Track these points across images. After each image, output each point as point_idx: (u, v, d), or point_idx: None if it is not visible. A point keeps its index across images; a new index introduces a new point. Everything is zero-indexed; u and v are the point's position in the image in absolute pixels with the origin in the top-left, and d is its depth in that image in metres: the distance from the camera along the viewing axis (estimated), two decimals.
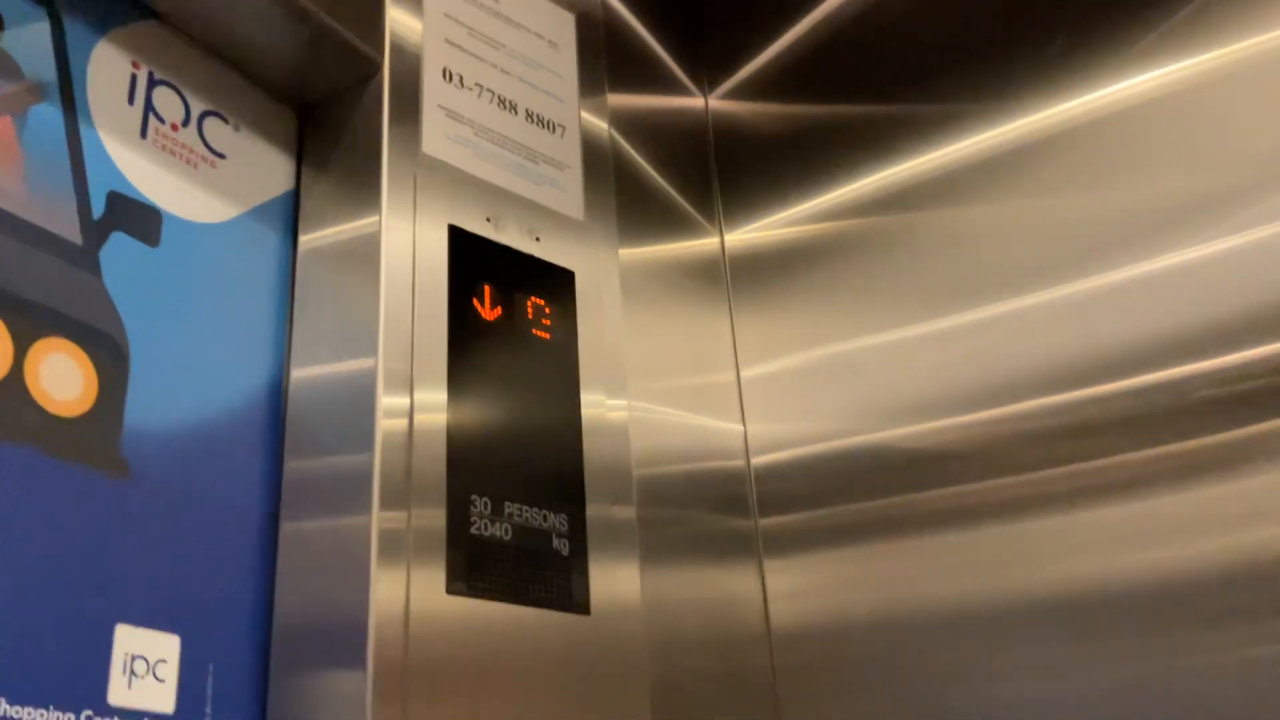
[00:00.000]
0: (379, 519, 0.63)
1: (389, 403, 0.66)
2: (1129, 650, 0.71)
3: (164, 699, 0.61)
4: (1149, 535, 0.72)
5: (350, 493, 0.65)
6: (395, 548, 0.63)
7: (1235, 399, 0.71)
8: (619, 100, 0.93)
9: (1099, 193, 0.80)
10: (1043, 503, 0.77)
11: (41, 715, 0.55)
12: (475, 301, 0.73)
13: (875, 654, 0.81)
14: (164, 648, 0.61)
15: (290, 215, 0.77)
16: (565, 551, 0.71)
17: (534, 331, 0.76)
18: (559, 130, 0.86)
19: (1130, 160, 0.80)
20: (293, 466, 0.70)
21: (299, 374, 0.72)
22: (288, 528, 0.68)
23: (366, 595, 0.61)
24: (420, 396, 0.67)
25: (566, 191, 0.84)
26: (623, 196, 0.89)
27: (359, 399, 0.66)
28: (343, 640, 0.62)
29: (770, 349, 0.94)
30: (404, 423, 0.66)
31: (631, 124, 0.95)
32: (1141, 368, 0.75)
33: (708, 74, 1.07)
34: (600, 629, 0.71)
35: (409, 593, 0.63)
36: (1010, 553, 0.77)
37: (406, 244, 0.71)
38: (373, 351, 0.67)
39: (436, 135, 0.76)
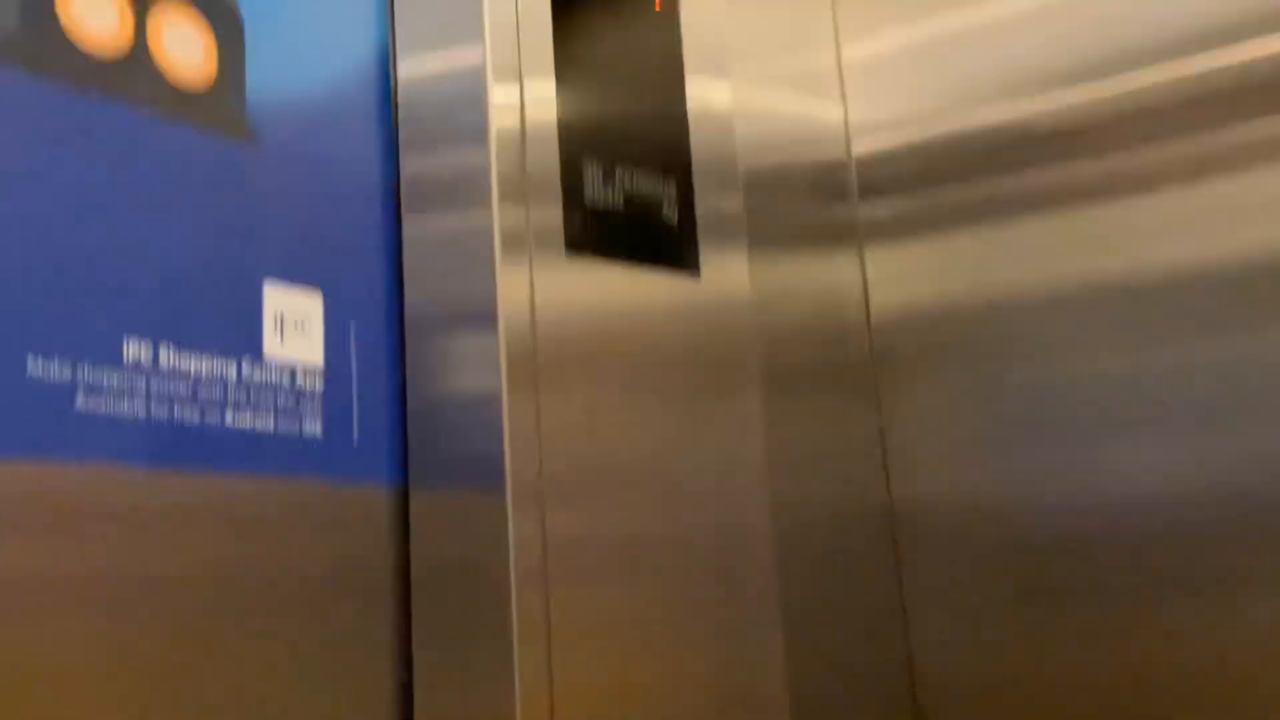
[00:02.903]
0: (499, 214, 0.64)
1: (500, 100, 0.65)
2: (1231, 326, 0.70)
3: (313, 350, 0.64)
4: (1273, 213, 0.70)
5: (469, 189, 0.66)
6: (517, 241, 0.65)
7: None
8: None
9: None
10: (1159, 179, 0.74)
11: (205, 361, 0.60)
12: None
13: (971, 336, 0.82)
14: (308, 304, 0.65)
15: None
16: (674, 219, 0.72)
17: None
18: None
19: None
20: (409, 162, 0.70)
21: (407, 65, 0.71)
22: (410, 221, 0.70)
23: (494, 283, 0.63)
24: (530, 89, 0.67)
25: None
26: None
27: (469, 94, 0.66)
28: (474, 315, 0.65)
29: (874, 23, 0.90)
30: (516, 118, 0.66)
31: None
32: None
33: None
34: (709, 291, 0.73)
35: (532, 268, 0.65)
36: (1119, 232, 0.76)
37: None
38: (479, 40, 0.66)
39: None
